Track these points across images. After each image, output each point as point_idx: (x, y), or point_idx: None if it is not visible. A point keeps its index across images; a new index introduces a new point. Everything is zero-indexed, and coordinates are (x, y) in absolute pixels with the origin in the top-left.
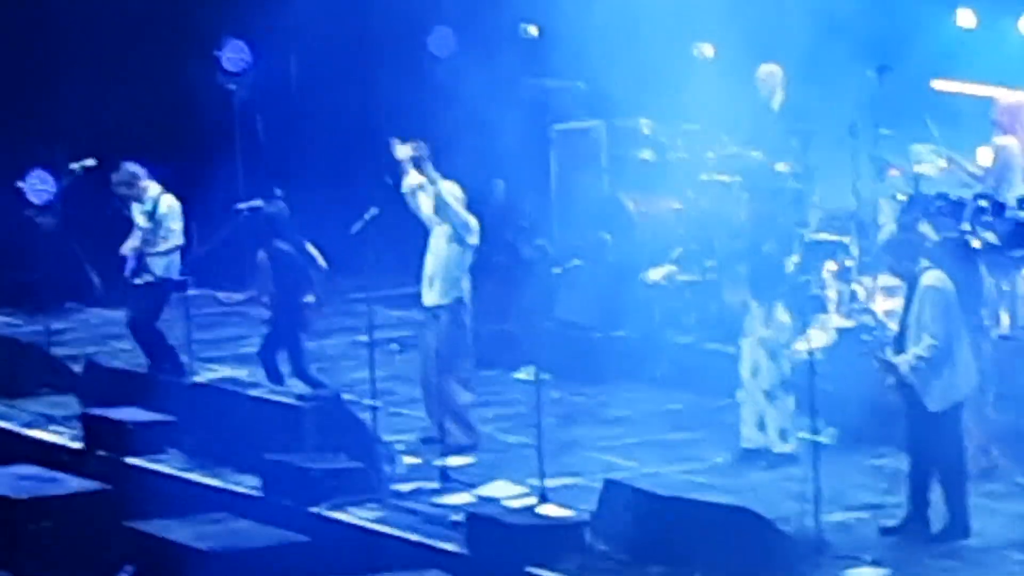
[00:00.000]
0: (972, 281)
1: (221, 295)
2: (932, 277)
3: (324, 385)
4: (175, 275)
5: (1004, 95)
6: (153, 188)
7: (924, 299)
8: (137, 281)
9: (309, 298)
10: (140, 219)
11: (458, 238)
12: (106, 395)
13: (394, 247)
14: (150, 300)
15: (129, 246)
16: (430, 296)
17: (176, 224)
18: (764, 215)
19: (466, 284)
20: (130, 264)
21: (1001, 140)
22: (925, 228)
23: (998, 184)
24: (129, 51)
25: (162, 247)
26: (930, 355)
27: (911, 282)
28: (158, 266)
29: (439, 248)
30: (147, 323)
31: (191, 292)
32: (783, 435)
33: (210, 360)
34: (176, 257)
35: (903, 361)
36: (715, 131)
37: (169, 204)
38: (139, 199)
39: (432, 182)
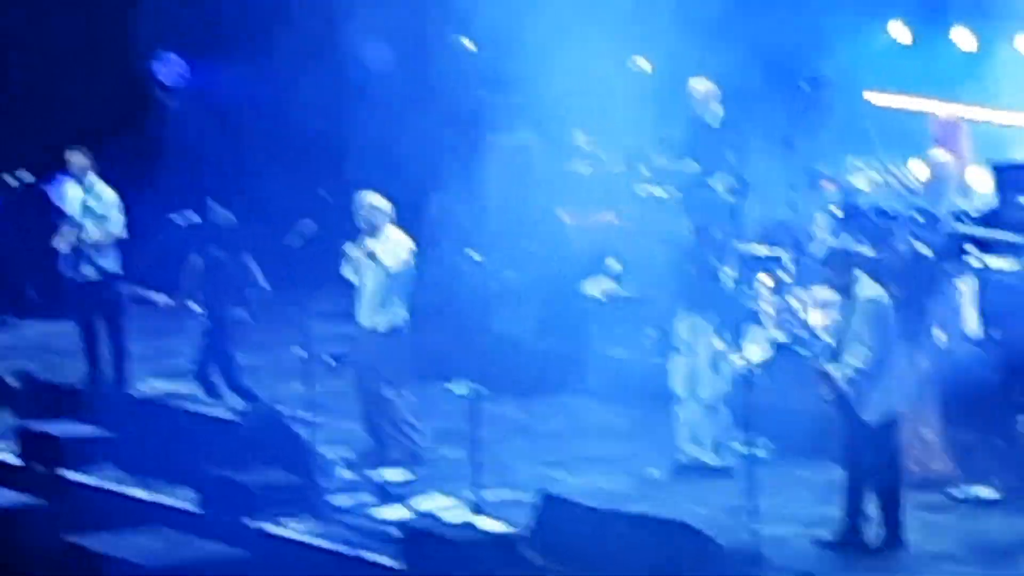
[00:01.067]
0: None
1: (154, 295)
2: (868, 289)
3: (258, 398)
4: (119, 270)
5: (940, 109)
6: (93, 177)
7: (860, 311)
8: (85, 274)
9: (239, 313)
10: (75, 205)
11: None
12: (43, 409)
13: (329, 260)
14: (104, 297)
15: (64, 240)
16: (369, 312)
17: (117, 215)
18: (702, 229)
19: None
20: (68, 261)
21: (937, 155)
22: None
23: (933, 198)
24: (63, 65)
25: (103, 237)
26: (867, 367)
27: (847, 295)
28: (104, 261)
29: (376, 270)
30: (106, 322)
31: (128, 290)
32: (717, 449)
33: (148, 374)
34: (117, 252)
35: (840, 373)
36: (650, 145)
37: (109, 194)
38: (82, 182)
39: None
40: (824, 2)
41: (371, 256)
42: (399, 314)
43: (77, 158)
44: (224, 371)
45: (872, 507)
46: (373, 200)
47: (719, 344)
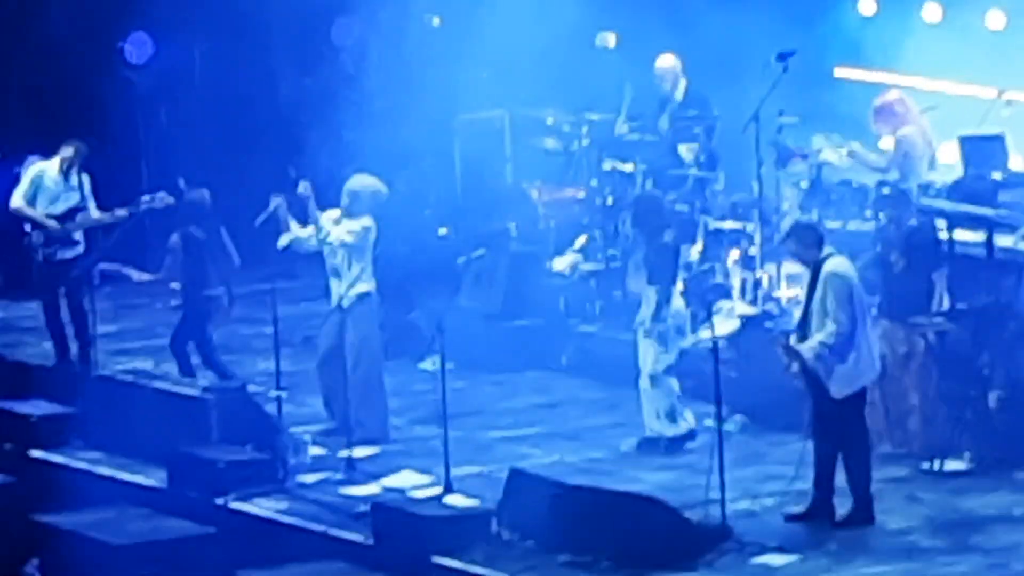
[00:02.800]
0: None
1: (132, 273)
2: (835, 264)
3: (234, 375)
4: (84, 250)
5: (907, 83)
6: (72, 162)
7: (827, 286)
8: (52, 254)
9: (216, 291)
10: (48, 187)
11: (350, 246)
12: (11, 388)
13: None
14: (72, 276)
15: (32, 220)
16: (339, 290)
17: (86, 198)
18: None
19: (371, 279)
20: (35, 241)
21: (903, 130)
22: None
23: (902, 174)
24: (32, 43)
25: (70, 220)
26: (834, 341)
27: (814, 269)
28: (71, 241)
29: (345, 247)
30: (73, 302)
31: (102, 266)
32: (671, 416)
33: (116, 352)
34: (84, 232)
35: (807, 348)
36: (617, 120)
37: (82, 179)
38: (61, 166)
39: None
40: None
41: (343, 235)
42: (366, 290)
43: (74, 144)
44: (200, 348)
45: (841, 481)
46: (363, 180)
47: (674, 316)
